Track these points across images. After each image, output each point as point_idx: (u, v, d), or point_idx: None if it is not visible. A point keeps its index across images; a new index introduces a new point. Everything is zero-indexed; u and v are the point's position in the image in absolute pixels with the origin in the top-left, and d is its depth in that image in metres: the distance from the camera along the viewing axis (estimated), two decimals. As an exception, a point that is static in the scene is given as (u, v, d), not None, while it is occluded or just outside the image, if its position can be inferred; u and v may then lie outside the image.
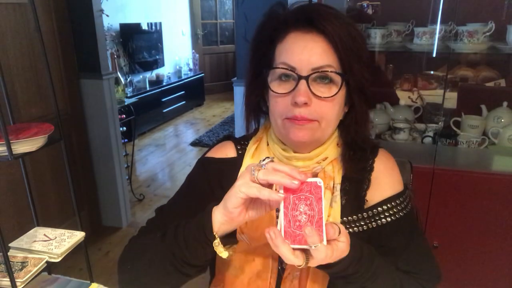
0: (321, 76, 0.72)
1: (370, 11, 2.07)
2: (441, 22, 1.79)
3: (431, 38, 1.82)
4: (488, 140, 1.80)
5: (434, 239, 1.69)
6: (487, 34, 1.74)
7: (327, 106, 0.73)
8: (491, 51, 1.79)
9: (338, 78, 0.73)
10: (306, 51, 0.71)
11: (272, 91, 0.74)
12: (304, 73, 0.71)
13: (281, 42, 0.75)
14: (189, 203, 0.84)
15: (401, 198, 0.81)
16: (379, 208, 0.79)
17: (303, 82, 0.71)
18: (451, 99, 1.99)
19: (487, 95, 2.03)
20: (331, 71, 0.72)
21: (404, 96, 2.11)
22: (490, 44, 1.76)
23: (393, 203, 0.80)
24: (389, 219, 0.79)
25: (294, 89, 0.71)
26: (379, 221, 0.79)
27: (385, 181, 0.82)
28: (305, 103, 0.70)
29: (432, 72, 2.16)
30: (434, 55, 1.84)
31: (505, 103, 1.85)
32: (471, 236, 1.71)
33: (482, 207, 1.66)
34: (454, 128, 1.86)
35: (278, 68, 0.73)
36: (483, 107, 1.88)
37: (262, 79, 0.78)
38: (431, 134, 1.89)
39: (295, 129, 0.73)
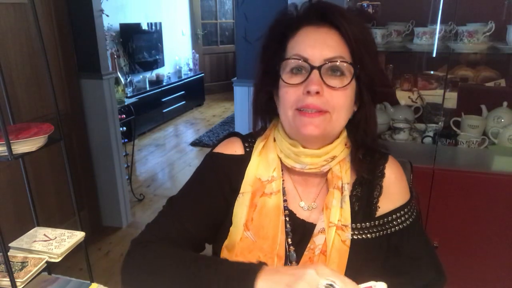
0: (333, 68, 0.73)
1: (370, 11, 2.07)
2: (441, 22, 1.79)
3: (431, 38, 1.82)
4: (488, 140, 1.79)
5: (434, 239, 1.69)
6: (487, 34, 1.73)
7: (338, 96, 0.73)
8: (491, 51, 1.78)
9: (349, 71, 0.74)
10: (318, 43, 0.73)
11: (284, 82, 0.75)
12: (316, 63, 0.72)
13: (293, 37, 0.76)
14: (199, 197, 0.84)
15: (409, 206, 0.83)
16: (389, 217, 0.81)
17: (315, 72, 0.72)
18: (451, 99, 1.99)
19: (487, 95, 2.03)
20: (342, 61, 0.73)
21: (404, 96, 2.11)
22: (490, 44, 1.76)
23: (402, 212, 0.82)
24: (401, 226, 0.81)
25: (306, 79, 0.72)
26: (389, 230, 0.81)
27: (396, 190, 0.83)
28: (317, 92, 0.71)
29: (432, 72, 2.16)
30: (434, 55, 1.84)
31: (505, 103, 1.85)
32: (471, 236, 1.71)
33: (482, 207, 1.66)
34: (454, 128, 1.85)
35: (291, 59, 0.74)
36: (483, 107, 1.88)
37: (272, 76, 0.78)
38: (431, 134, 1.88)
39: (307, 122, 0.73)
